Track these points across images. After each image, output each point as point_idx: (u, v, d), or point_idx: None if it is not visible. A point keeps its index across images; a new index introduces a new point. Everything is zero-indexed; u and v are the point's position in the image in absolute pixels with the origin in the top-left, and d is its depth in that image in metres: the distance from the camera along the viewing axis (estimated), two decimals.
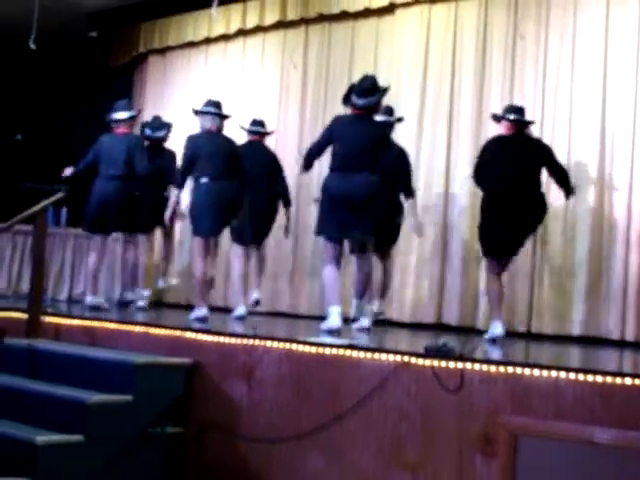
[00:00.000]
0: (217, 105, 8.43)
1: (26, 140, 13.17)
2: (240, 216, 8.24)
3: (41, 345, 6.77)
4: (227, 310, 9.21)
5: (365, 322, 7.46)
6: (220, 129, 8.38)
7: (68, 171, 9.00)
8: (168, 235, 10.14)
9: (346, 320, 7.35)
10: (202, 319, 7.78)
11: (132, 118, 9.28)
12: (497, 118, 7.62)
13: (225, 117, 8.47)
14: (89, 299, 8.91)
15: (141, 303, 9.48)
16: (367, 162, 7.14)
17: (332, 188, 7.18)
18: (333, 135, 7.36)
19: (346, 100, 7.38)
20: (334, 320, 7.04)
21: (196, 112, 8.42)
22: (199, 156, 8.10)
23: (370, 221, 7.13)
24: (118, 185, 8.85)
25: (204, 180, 7.99)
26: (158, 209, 8.97)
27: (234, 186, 8.14)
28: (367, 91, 7.26)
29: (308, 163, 7.53)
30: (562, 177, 7.49)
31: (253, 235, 8.90)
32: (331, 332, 6.92)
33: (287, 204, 9.35)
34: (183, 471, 6.11)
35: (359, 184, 7.07)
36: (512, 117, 7.44)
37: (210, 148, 8.11)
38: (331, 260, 7.25)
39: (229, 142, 8.36)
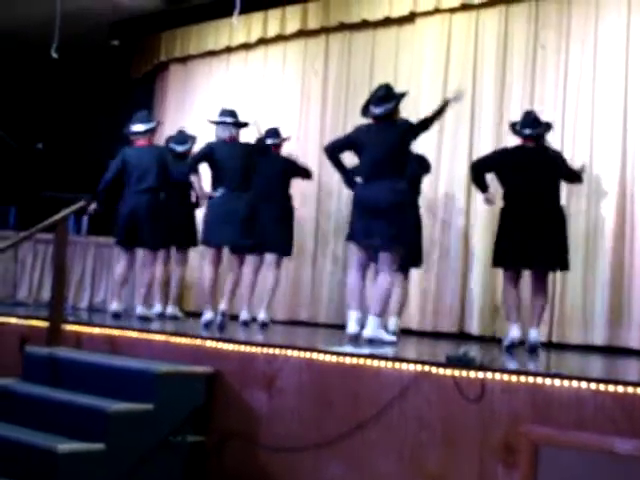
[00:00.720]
0: (231, 114, 8.54)
1: (47, 149, 13.22)
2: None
3: (62, 353, 6.80)
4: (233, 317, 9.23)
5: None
6: (235, 138, 8.49)
7: (92, 207, 8.95)
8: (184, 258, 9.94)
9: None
10: (207, 323, 8.09)
11: (152, 130, 9.28)
12: (515, 131, 7.65)
13: (242, 125, 8.52)
14: (114, 306, 8.92)
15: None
16: (391, 169, 7.19)
17: (359, 196, 7.29)
18: (352, 142, 7.50)
19: (365, 112, 7.47)
20: (350, 326, 7.12)
21: (211, 122, 8.51)
22: (214, 165, 8.37)
23: (396, 228, 7.11)
24: (150, 198, 8.88)
25: (220, 191, 8.24)
26: (187, 225, 9.16)
27: (249, 197, 8.26)
28: (382, 98, 7.33)
29: (331, 154, 7.57)
30: (574, 177, 7.66)
31: (274, 245, 8.89)
32: (351, 338, 6.99)
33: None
34: None
35: (384, 191, 7.11)
36: (527, 132, 7.48)
37: (225, 159, 8.30)
38: (356, 267, 7.36)
39: (245, 152, 8.45)
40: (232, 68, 11.64)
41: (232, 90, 11.49)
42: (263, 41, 11.17)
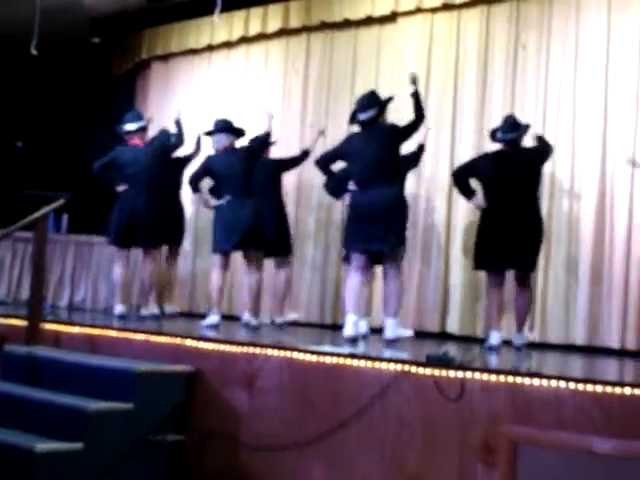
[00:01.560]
0: (224, 123, 8.68)
1: (27, 147, 13.17)
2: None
3: (41, 352, 6.77)
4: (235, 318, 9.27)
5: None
6: (230, 147, 8.62)
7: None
8: (174, 255, 10.03)
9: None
10: (214, 326, 8.15)
11: (143, 128, 9.33)
12: (493, 138, 7.92)
13: (236, 133, 8.72)
14: (119, 308, 9.03)
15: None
16: (384, 173, 7.34)
17: (355, 203, 7.45)
18: (342, 152, 7.69)
19: (352, 119, 7.65)
20: (347, 329, 7.21)
21: (205, 134, 8.85)
22: (215, 175, 8.61)
23: (395, 232, 7.28)
24: (147, 198, 8.99)
25: (224, 199, 8.43)
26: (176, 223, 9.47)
27: (253, 201, 8.41)
28: (367, 105, 7.48)
29: (323, 167, 7.85)
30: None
31: (276, 246, 9.02)
32: (347, 341, 7.07)
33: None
34: (184, 479, 6.10)
35: (380, 196, 7.27)
36: (503, 137, 7.75)
37: (224, 168, 8.49)
38: (355, 270, 7.47)
39: (241, 157, 8.56)
40: (214, 66, 11.60)
41: (214, 88, 11.47)
42: (245, 39, 11.14)
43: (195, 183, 8.70)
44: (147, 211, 8.97)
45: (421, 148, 8.61)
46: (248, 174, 8.49)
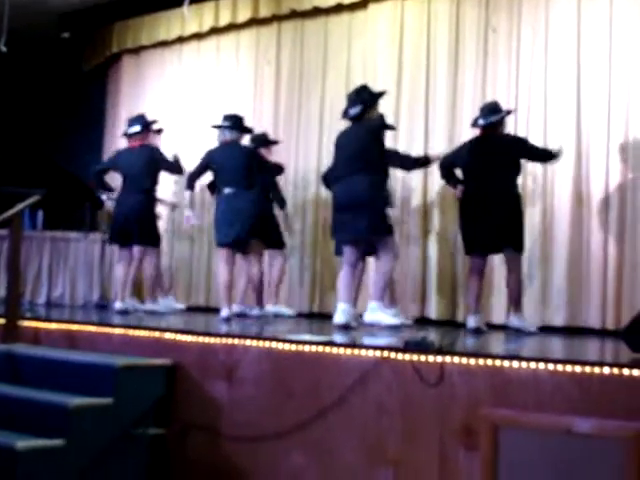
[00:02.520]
0: (232, 118, 8.77)
1: None
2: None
3: (20, 350, 6.74)
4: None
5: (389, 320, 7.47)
6: (232, 141, 8.65)
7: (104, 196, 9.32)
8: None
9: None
10: (226, 319, 8.19)
11: (141, 131, 9.32)
12: (473, 124, 7.97)
13: (241, 129, 8.81)
14: (119, 304, 9.08)
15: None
16: (363, 164, 7.39)
17: (334, 193, 7.66)
18: (335, 146, 7.82)
19: (344, 114, 7.76)
20: (337, 316, 7.31)
21: (213, 126, 8.94)
22: (215, 168, 8.63)
23: (362, 222, 7.32)
24: (142, 198, 9.06)
25: (223, 191, 8.45)
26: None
27: (253, 195, 8.42)
28: (355, 100, 7.61)
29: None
30: (543, 156, 7.85)
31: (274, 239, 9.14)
32: (338, 328, 7.16)
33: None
34: (166, 471, 6.10)
35: (350, 188, 7.39)
36: (480, 122, 7.81)
37: (226, 159, 8.50)
38: (348, 262, 7.58)
39: (246, 152, 8.65)
40: (185, 58, 11.56)
41: (185, 80, 11.44)
42: (215, 30, 11.10)
43: (193, 180, 8.79)
44: (139, 210, 9.04)
45: (423, 162, 8.66)
46: (248, 168, 8.48)
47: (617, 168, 8.17)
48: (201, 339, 6.21)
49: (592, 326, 8.12)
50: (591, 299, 8.18)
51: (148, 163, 9.13)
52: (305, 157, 9.65)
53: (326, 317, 8.71)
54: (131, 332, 6.68)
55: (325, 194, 9.78)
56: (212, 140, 10.23)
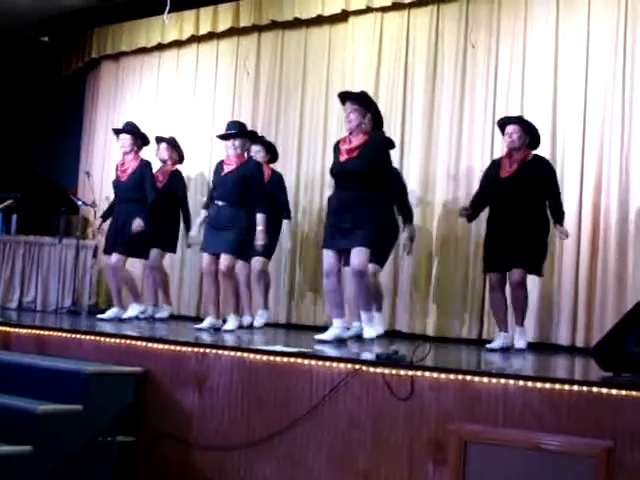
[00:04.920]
0: (235, 126, 8.45)
1: None
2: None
3: None
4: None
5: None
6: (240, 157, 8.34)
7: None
8: None
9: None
10: (215, 329, 8.06)
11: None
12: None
13: (254, 136, 8.65)
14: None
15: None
16: (353, 178, 7.12)
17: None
18: None
19: None
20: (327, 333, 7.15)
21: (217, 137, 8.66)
22: (214, 181, 8.38)
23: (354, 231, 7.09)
24: (125, 209, 8.90)
25: (213, 203, 8.22)
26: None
27: (242, 210, 8.07)
28: None
29: None
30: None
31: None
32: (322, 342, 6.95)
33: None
34: None
35: (343, 198, 7.17)
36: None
37: (220, 174, 8.25)
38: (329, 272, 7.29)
39: (244, 167, 8.22)
40: (164, 66, 11.54)
41: (164, 88, 11.43)
42: (195, 38, 11.10)
43: (210, 195, 8.51)
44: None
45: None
46: (239, 184, 8.10)
47: (590, 185, 8.21)
48: (172, 347, 6.19)
49: (561, 343, 8.15)
50: (561, 316, 8.21)
51: None
52: (283, 167, 9.64)
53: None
54: (102, 339, 6.64)
55: (303, 201, 9.81)
56: (189, 147, 10.27)
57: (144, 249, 9.16)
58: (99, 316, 9.00)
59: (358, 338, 7.36)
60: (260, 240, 8.05)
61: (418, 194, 9.04)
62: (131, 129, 9.12)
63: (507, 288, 7.45)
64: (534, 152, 7.52)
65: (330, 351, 6.28)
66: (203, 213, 8.66)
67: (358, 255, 6.97)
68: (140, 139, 9.15)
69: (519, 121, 7.49)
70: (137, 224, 8.66)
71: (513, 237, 7.23)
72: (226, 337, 7.40)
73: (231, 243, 8.00)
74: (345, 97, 7.34)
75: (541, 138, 7.64)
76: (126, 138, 9.03)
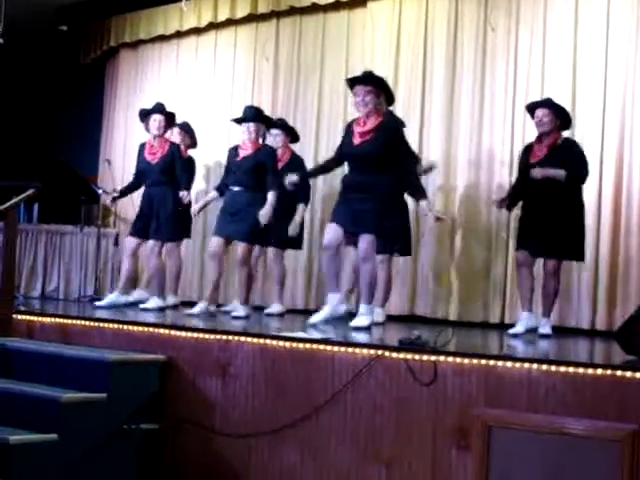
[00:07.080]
0: (251, 111, 8.42)
1: None
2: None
3: (13, 344, 6.72)
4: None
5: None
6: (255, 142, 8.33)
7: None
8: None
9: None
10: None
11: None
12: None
13: (269, 122, 8.59)
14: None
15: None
16: (366, 162, 7.04)
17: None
18: None
19: None
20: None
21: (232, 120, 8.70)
22: (228, 166, 8.37)
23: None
24: (157, 192, 8.73)
25: (228, 188, 8.25)
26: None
27: (258, 195, 8.04)
28: None
29: None
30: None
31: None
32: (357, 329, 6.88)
33: None
34: (158, 467, 6.11)
35: (355, 180, 7.09)
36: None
37: (236, 159, 8.24)
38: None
39: (259, 152, 8.22)
40: (182, 53, 11.55)
41: (183, 75, 11.43)
42: (214, 25, 11.09)
43: (224, 179, 8.53)
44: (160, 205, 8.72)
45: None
46: (252, 170, 8.10)
47: (611, 168, 8.18)
48: (195, 335, 6.20)
49: (583, 327, 8.13)
50: (582, 299, 8.20)
51: None
52: (301, 153, 9.62)
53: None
54: (125, 327, 6.66)
55: (321, 187, 9.78)
56: (208, 134, 10.28)
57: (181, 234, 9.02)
58: (96, 303, 8.84)
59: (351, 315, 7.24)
60: (264, 219, 7.97)
61: (439, 179, 9.01)
62: (164, 110, 8.89)
63: (535, 271, 7.41)
64: (565, 135, 7.47)
65: (357, 336, 6.29)
66: (213, 193, 8.73)
67: (363, 242, 6.93)
68: (170, 120, 9.00)
69: (549, 104, 7.43)
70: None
71: (546, 225, 7.15)
72: (249, 324, 7.43)
73: (247, 232, 8.00)
74: (354, 81, 7.23)
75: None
76: (160, 119, 8.75)
